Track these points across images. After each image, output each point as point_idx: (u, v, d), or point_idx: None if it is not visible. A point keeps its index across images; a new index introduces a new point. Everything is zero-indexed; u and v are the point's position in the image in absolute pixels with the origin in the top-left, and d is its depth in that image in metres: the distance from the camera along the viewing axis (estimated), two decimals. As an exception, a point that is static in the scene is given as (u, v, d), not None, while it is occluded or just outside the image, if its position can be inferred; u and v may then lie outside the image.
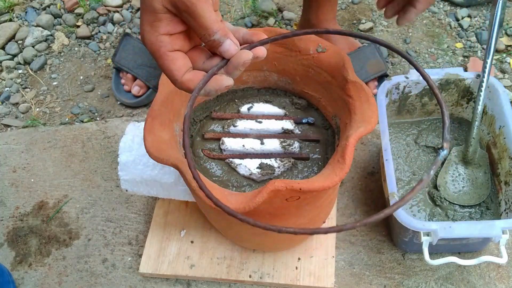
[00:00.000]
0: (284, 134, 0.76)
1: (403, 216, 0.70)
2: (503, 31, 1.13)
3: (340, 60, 0.70)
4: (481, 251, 0.83)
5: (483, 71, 0.80)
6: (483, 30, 1.13)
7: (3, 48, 1.22)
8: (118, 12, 1.25)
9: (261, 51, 0.50)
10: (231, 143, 0.74)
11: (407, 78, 0.84)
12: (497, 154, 0.83)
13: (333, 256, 0.82)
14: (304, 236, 0.81)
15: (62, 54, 1.20)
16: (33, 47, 1.21)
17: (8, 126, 1.09)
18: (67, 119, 1.09)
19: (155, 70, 1.05)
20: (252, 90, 0.82)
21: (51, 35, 1.23)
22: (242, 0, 1.24)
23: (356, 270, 0.83)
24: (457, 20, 1.16)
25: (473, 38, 1.13)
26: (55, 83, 1.15)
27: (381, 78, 1.03)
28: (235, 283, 0.83)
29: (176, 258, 0.84)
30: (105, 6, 1.26)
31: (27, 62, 1.19)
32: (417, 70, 0.48)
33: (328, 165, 0.62)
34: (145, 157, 0.77)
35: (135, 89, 1.05)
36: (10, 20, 1.27)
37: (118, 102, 1.09)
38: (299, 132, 0.77)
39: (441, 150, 0.41)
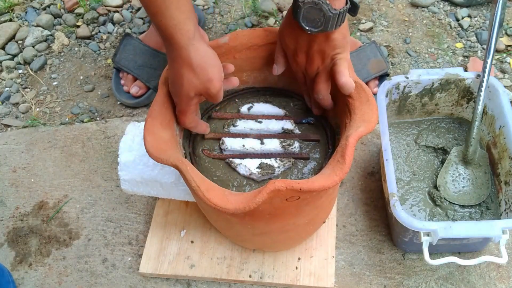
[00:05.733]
0: (284, 134, 0.76)
1: (403, 216, 0.70)
2: (503, 31, 1.13)
3: (340, 60, 0.70)
4: (481, 251, 0.83)
5: (483, 71, 0.80)
6: (483, 30, 1.13)
7: (3, 48, 1.22)
8: (118, 12, 1.25)
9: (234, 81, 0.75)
10: (231, 143, 0.74)
11: (407, 78, 0.84)
12: (497, 154, 0.83)
13: (333, 256, 0.82)
14: (304, 236, 0.81)
15: (62, 54, 1.20)
16: (33, 47, 1.21)
17: (8, 126, 1.09)
18: (67, 119, 1.09)
19: (155, 70, 1.04)
20: (252, 90, 0.82)
21: (51, 35, 1.23)
22: (242, 0, 1.24)
23: (356, 270, 0.83)
24: (457, 20, 1.16)
25: (473, 38, 1.13)
26: (55, 83, 1.15)
27: (382, 77, 1.04)
28: (235, 283, 0.83)
29: (176, 258, 0.84)
30: (105, 6, 1.26)
31: (27, 62, 1.19)
32: None
33: (328, 165, 0.62)
34: (145, 157, 0.77)
35: (134, 90, 1.05)
36: (10, 20, 1.27)
37: (118, 102, 1.09)
38: (299, 132, 0.77)
39: None
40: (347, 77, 0.66)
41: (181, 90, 0.65)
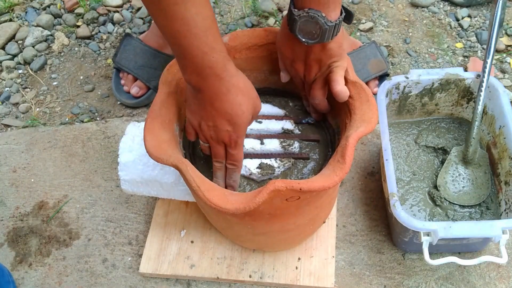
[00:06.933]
0: (284, 134, 0.76)
1: (403, 216, 0.70)
2: (503, 31, 1.13)
3: (340, 60, 0.70)
4: (481, 251, 0.83)
5: (483, 71, 0.80)
6: (483, 30, 1.13)
7: (3, 48, 1.22)
8: (118, 12, 1.25)
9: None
10: (231, 143, 0.74)
11: (407, 78, 0.84)
12: (497, 154, 0.83)
13: (333, 256, 0.82)
14: (304, 236, 0.81)
15: (62, 54, 1.20)
16: (33, 47, 1.21)
17: (8, 126, 1.09)
18: (67, 119, 1.09)
19: (155, 70, 1.04)
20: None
21: (51, 35, 1.23)
22: (242, 0, 1.24)
23: (356, 270, 0.83)
24: (457, 20, 1.16)
25: (473, 38, 1.13)
26: (55, 83, 1.15)
27: (382, 77, 1.03)
28: (235, 283, 0.83)
29: (176, 258, 0.84)
30: (105, 6, 1.26)
31: (27, 62, 1.19)
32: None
33: (328, 165, 0.62)
34: (145, 157, 0.77)
35: (134, 90, 1.05)
36: (10, 20, 1.27)
37: (118, 102, 1.09)
38: (299, 132, 0.77)
39: None
40: (342, 86, 0.68)
41: (243, 118, 0.63)
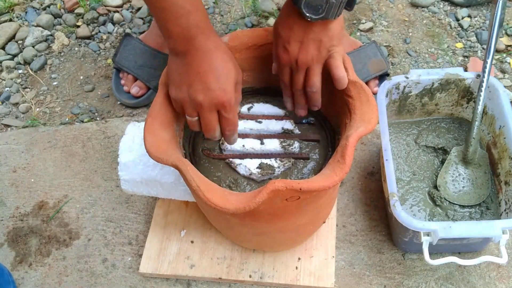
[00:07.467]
0: (284, 134, 0.76)
1: (403, 216, 0.70)
2: (503, 31, 1.13)
3: (340, 60, 0.70)
4: (481, 251, 0.83)
5: (483, 71, 0.80)
6: (483, 30, 1.13)
7: (3, 48, 1.22)
8: (118, 12, 1.25)
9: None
10: (231, 143, 0.74)
11: (407, 78, 0.84)
12: (497, 154, 0.83)
13: (333, 256, 0.82)
14: (304, 236, 0.81)
15: (62, 54, 1.20)
16: (33, 47, 1.21)
17: (8, 126, 1.09)
18: (67, 119, 1.09)
19: (155, 71, 1.04)
20: (252, 90, 0.82)
21: (51, 35, 1.23)
22: (242, 0, 1.24)
23: (356, 270, 0.83)
24: (457, 20, 1.16)
25: (473, 38, 1.13)
26: (55, 83, 1.15)
27: (382, 77, 1.03)
28: (235, 283, 0.83)
29: (176, 258, 0.84)
30: (105, 6, 1.26)
31: (27, 62, 1.19)
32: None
33: (328, 165, 0.62)
34: (145, 157, 0.77)
35: (134, 90, 1.05)
36: (10, 20, 1.27)
37: (118, 102, 1.09)
38: (299, 132, 0.77)
39: None
40: (344, 72, 0.67)
41: (231, 74, 0.62)
